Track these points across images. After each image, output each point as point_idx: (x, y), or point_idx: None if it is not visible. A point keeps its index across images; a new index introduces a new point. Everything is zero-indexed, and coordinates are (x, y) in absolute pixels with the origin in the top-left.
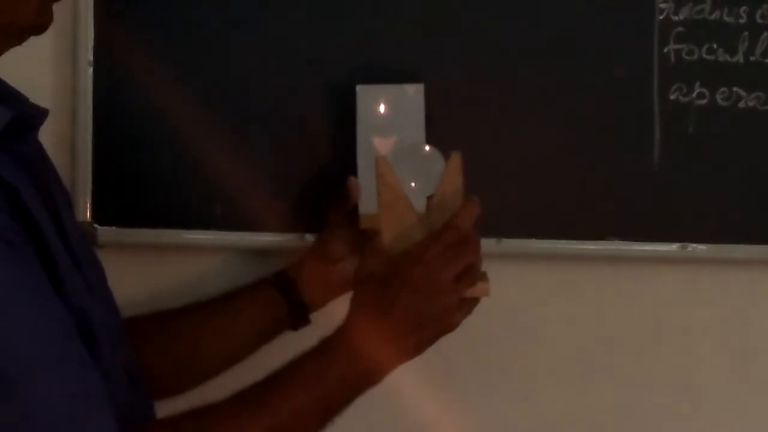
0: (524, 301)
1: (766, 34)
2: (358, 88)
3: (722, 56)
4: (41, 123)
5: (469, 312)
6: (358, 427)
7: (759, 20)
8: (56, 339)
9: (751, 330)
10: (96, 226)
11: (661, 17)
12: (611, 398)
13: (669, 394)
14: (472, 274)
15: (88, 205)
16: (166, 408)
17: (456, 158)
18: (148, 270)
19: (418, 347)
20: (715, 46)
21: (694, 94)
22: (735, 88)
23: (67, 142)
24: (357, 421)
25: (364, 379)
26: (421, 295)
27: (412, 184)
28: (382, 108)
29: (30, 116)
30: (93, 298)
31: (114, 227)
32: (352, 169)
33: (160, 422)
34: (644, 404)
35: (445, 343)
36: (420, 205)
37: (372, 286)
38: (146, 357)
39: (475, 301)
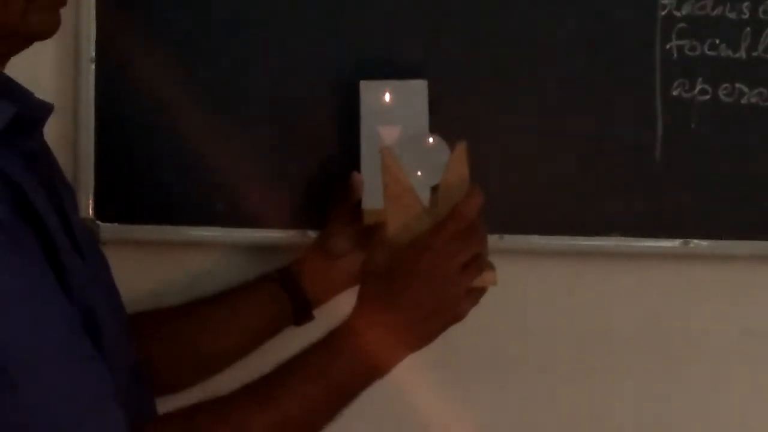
0: (526, 297)
1: None
2: (362, 83)
3: (725, 52)
4: (46, 118)
5: (476, 302)
6: (359, 420)
7: (761, 16)
8: (62, 334)
9: (753, 326)
10: (98, 222)
11: (663, 13)
12: (612, 394)
13: (670, 390)
14: (478, 263)
15: (91, 201)
16: (169, 404)
17: (461, 148)
18: (150, 267)
19: (425, 338)
20: (717, 41)
21: (697, 90)
22: (737, 84)
23: (69, 138)
24: (358, 415)
25: (372, 370)
26: (427, 285)
27: (418, 174)
28: (385, 103)
29: (34, 111)
30: (98, 295)
31: (116, 224)
32: (356, 165)
33: (165, 417)
34: (645, 400)
35: (448, 338)
36: (425, 195)
37: (378, 278)
38: (149, 353)
39: (482, 290)
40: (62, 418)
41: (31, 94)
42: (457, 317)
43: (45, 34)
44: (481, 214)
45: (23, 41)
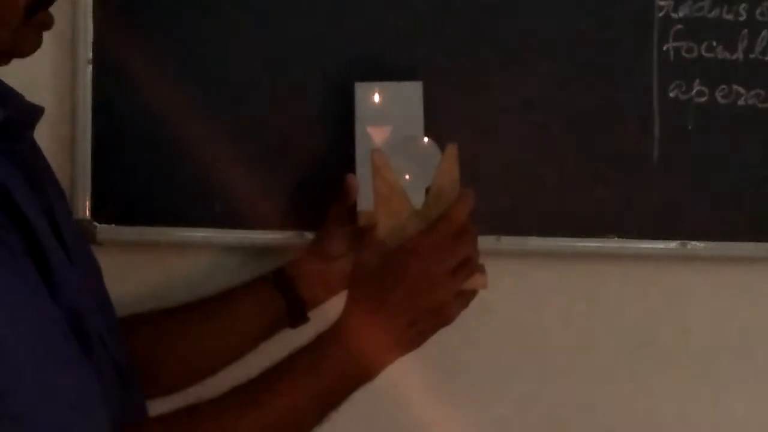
0: (523, 298)
1: (765, 31)
2: (357, 85)
3: (722, 54)
4: (36, 121)
5: (465, 305)
6: (352, 423)
7: (758, 18)
8: (48, 339)
9: (751, 328)
10: (95, 223)
11: (660, 15)
12: (609, 396)
13: (668, 391)
14: (468, 266)
15: (87, 202)
16: (163, 406)
17: (452, 149)
18: (146, 268)
19: (414, 341)
20: (714, 43)
21: (694, 92)
22: (734, 86)
23: (66, 140)
24: (349, 417)
25: (360, 373)
26: (417, 288)
27: (407, 177)
28: (380, 105)
29: (24, 115)
30: (86, 297)
31: (113, 225)
32: (351, 167)
33: (154, 420)
34: (643, 402)
35: (442, 340)
36: (417, 197)
37: (368, 280)
38: (144, 355)
39: (472, 293)
40: (46, 420)
41: (22, 97)
42: (447, 320)
43: (27, 54)
44: (472, 218)
45: (2, 59)
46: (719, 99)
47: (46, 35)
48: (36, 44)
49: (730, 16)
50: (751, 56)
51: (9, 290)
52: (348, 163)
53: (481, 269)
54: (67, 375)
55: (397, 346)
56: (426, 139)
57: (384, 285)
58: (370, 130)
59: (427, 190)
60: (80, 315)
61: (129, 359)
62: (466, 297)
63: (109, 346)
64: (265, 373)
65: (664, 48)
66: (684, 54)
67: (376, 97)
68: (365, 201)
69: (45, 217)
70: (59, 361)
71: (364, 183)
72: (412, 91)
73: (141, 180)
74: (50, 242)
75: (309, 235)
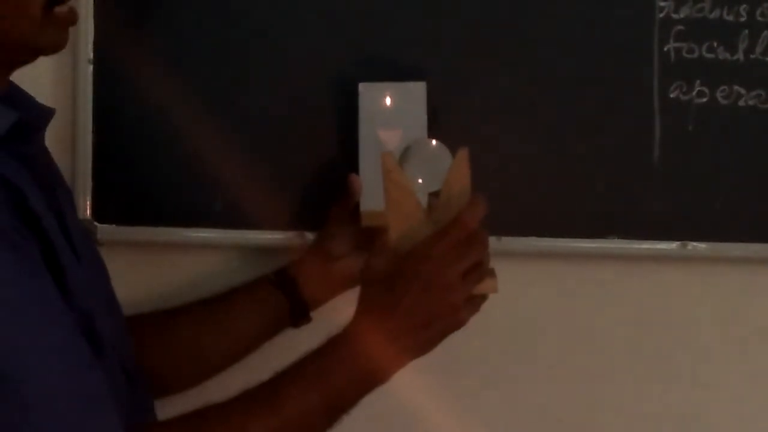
0: (524, 299)
1: (766, 32)
2: (361, 85)
3: (722, 54)
4: (47, 123)
5: (476, 309)
6: (357, 423)
7: (759, 18)
8: (58, 338)
9: (751, 328)
10: (96, 223)
11: (661, 15)
12: (611, 396)
13: (669, 391)
14: (479, 270)
15: (88, 202)
16: (167, 407)
17: (463, 154)
18: (148, 268)
19: (425, 345)
20: (715, 44)
21: (694, 93)
22: (735, 87)
23: (67, 139)
24: (356, 418)
25: (371, 378)
26: (427, 293)
27: (419, 181)
28: (384, 105)
29: (35, 117)
30: (95, 297)
31: (114, 225)
32: (354, 167)
33: (163, 423)
34: (644, 402)
35: (445, 341)
36: (424, 201)
37: (378, 285)
38: (147, 355)
39: (482, 298)
40: (59, 422)
41: (34, 99)
42: (458, 325)
43: (54, 49)
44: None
45: (31, 54)
46: (720, 99)
47: None
48: (62, 41)
49: (730, 17)
50: (752, 57)
51: (24, 294)
52: (351, 163)
53: (491, 273)
54: (81, 377)
55: (408, 350)
56: (435, 142)
57: (395, 289)
58: (381, 133)
59: (432, 194)
60: (91, 316)
61: (136, 359)
62: (476, 301)
63: (118, 347)
64: (275, 377)
65: (665, 48)
66: (685, 54)
67: (381, 98)
68: (368, 201)
69: (55, 220)
70: (73, 363)
71: (367, 183)
72: (416, 92)
73: (142, 180)
74: (61, 244)
75: (310, 236)
